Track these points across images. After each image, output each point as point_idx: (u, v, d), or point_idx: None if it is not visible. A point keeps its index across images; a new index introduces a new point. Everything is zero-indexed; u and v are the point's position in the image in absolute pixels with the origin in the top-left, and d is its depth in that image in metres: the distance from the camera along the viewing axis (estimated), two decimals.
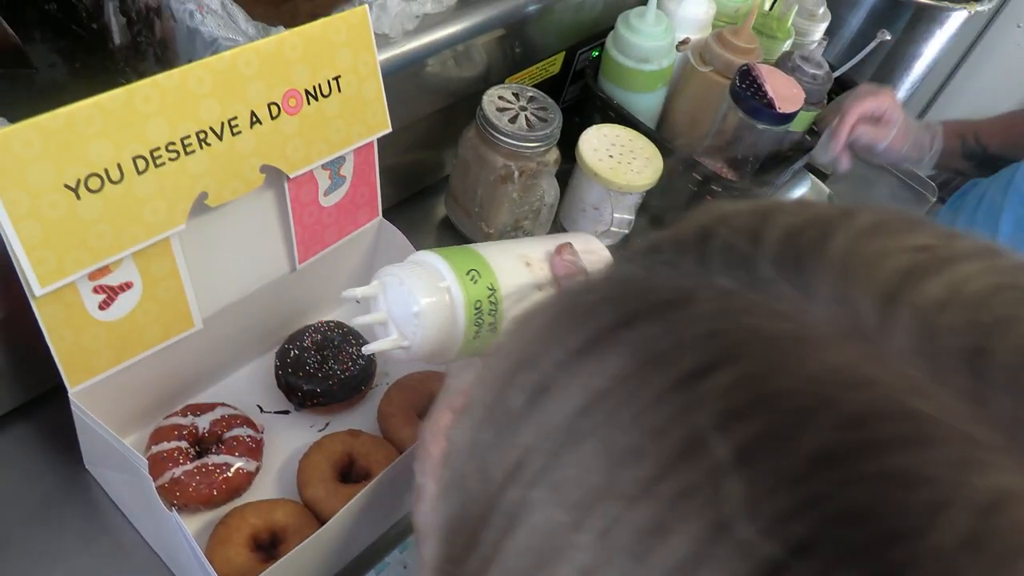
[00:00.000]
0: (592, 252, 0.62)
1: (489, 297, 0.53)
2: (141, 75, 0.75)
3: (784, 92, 0.84)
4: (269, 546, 0.65)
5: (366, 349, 0.56)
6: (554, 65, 0.95)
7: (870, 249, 0.21)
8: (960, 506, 0.16)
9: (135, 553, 0.66)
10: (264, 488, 0.70)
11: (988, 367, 0.18)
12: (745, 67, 0.86)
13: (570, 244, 0.59)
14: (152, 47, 0.73)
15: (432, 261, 0.54)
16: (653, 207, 0.92)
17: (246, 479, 0.68)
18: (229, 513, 0.65)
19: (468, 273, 0.53)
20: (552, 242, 0.60)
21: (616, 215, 0.86)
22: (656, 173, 0.87)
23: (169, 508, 0.57)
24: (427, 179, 0.94)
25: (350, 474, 0.70)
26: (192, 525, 0.67)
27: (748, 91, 0.84)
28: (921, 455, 0.17)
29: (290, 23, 0.79)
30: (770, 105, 0.83)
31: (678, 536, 0.18)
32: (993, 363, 0.18)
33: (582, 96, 1.02)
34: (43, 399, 0.72)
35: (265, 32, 0.67)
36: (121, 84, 0.78)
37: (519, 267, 0.56)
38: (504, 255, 0.57)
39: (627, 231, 0.88)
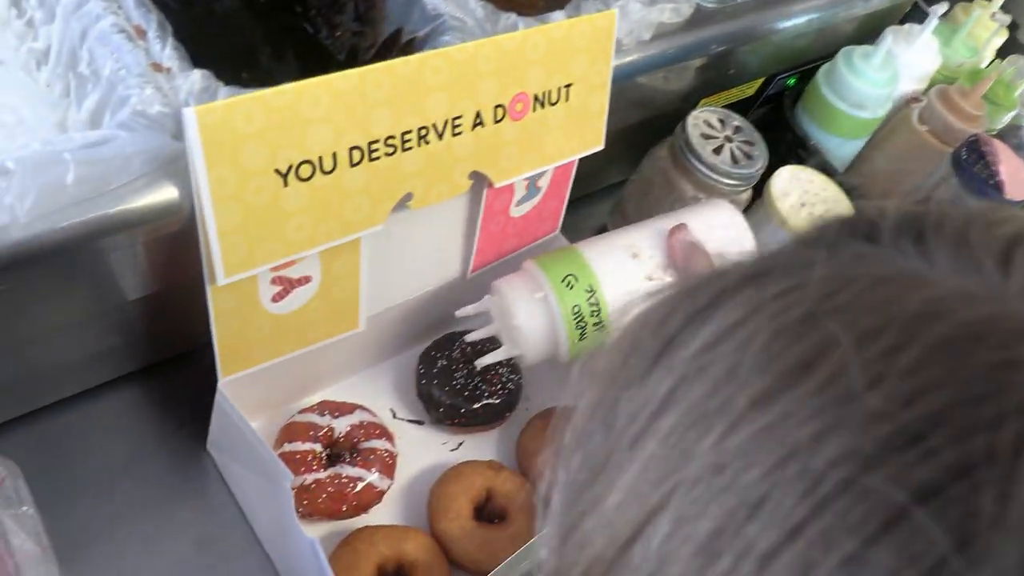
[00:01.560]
0: (723, 227, 0.59)
1: (588, 299, 0.54)
2: (333, 27, 0.68)
3: (1016, 176, 0.75)
4: None
5: (480, 362, 0.60)
6: (751, 88, 0.87)
7: (980, 224, 0.23)
8: None
9: (247, 556, 0.60)
10: (390, 505, 0.64)
11: None
12: (975, 138, 0.77)
13: (684, 225, 0.57)
14: (354, 1, 0.65)
15: (531, 270, 0.56)
16: None
17: (377, 497, 0.62)
18: (357, 535, 0.60)
19: (564, 280, 0.55)
20: (665, 222, 0.58)
21: None
22: None
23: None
24: (590, 185, 0.86)
25: (484, 510, 0.64)
26: (309, 531, 0.61)
27: (975, 166, 0.75)
28: None
29: None
30: (998, 187, 0.75)
31: (803, 413, 0.19)
32: None
33: (766, 122, 0.93)
34: (165, 363, 0.66)
35: (494, 17, 0.59)
36: (306, 31, 0.70)
37: (624, 260, 0.55)
38: (608, 250, 0.56)
39: None
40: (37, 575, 0.46)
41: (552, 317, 0.55)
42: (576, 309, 0.55)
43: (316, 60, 0.68)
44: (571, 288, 0.55)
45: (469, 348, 0.69)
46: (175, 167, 0.47)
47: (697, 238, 0.57)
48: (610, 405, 0.23)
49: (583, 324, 0.55)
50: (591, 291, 0.55)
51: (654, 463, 0.21)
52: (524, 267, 0.58)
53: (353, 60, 0.65)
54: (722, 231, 0.58)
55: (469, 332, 0.71)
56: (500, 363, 0.69)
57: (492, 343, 0.70)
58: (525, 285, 0.56)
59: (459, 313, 0.61)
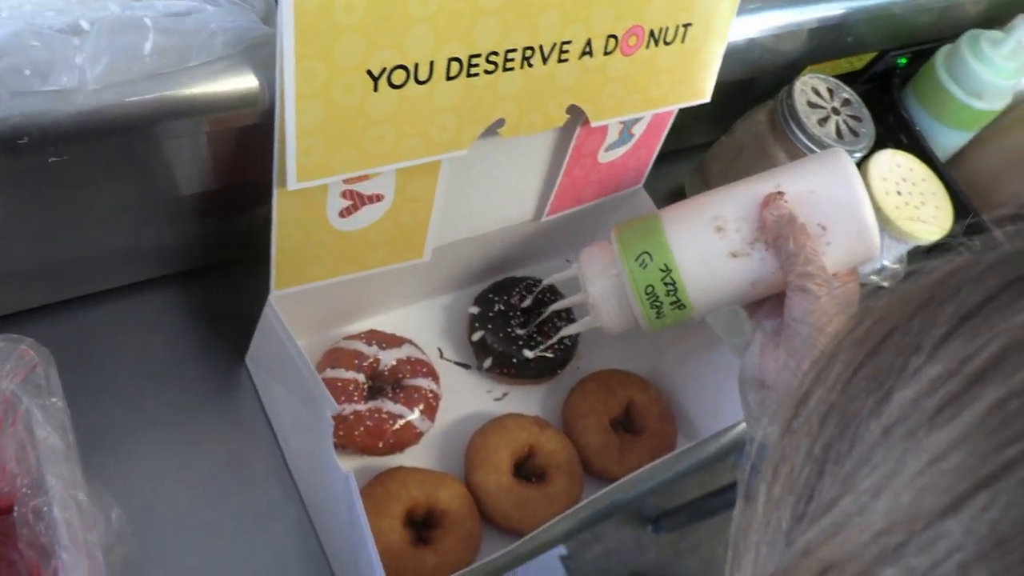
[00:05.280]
0: (832, 192, 0.50)
1: (663, 279, 0.52)
2: None
3: None
4: (422, 525, 0.57)
5: (564, 331, 0.61)
6: (861, 61, 0.80)
7: None
8: None
9: (272, 481, 0.57)
10: (425, 447, 0.61)
11: None
12: None
13: (779, 194, 0.50)
14: None
15: (611, 242, 0.54)
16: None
17: (415, 438, 0.59)
18: (390, 475, 0.56)
19: (638, 258, 0.52)
20: (759, 186, 0.51)
21: (886, 263, 0.73)
22: (943, 229, 0.73)
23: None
24: (671, 142, 0.81)
25: (524, 466, 0.61)
26: (341, 462, 0.58)
27: None
28: None
29: None
30: None
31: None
32: None
33: (869, 99, 0.87)
34: (212, 268, 0.62)
35: None
36: None
37: (706, 235, 0.51)
38: (690, 223, 0.52)
39: (888, 284, 0.75)
40: (59, 471, 0.42)
41: (627, 295, 0.53)
42: (650, 289, 0.52)
43: None
44: (644, 267, 0.52)
45: (531, 297, 0.65)
46: (259, 53, 0.42)
47: (795, 209, 0.50)
48: (878, 375, 0.21)
49: (658, 304, 0.52)
50: (666, 270, 0.51)
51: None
52: (611, 236, 0.54)
53: None
54: (830, 197, 0.50)
55: (530, 279, 0.67)
56: (559, 316, 0.65)
57: (554, 296, 0.67)
58: (602, 260, 0.54)
59: (547, 280, 0.62)
